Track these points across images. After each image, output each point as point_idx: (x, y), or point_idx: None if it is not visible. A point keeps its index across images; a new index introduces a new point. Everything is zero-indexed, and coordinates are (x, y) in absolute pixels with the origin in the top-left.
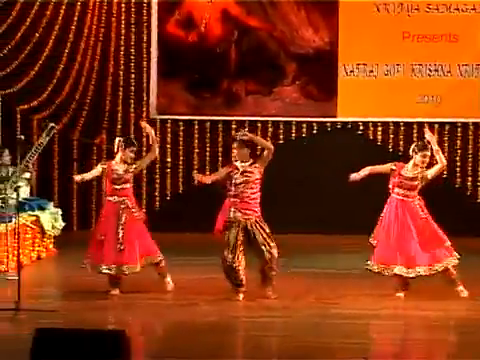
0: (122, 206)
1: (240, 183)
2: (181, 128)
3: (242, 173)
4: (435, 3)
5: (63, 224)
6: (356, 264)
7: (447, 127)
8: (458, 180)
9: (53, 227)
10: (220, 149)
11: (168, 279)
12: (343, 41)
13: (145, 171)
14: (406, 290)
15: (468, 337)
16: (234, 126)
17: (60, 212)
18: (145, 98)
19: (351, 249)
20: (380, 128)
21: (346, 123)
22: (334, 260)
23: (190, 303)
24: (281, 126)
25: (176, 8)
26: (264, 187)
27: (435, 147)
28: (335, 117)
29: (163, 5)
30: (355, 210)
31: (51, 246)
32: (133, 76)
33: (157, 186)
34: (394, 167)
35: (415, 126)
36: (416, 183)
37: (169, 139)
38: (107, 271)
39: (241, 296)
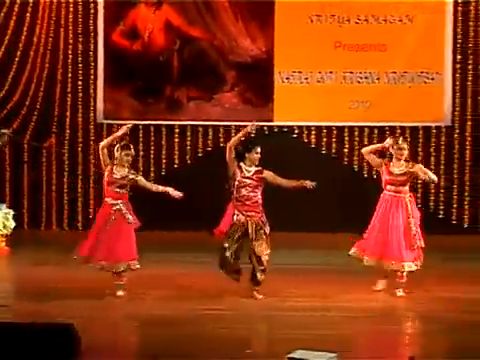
0: (115, 208)
1: (244, 186)
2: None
3: (249, 177)
4: (365, 15)
5: (14, 224)
6: (298, 260)
7: (376, 131)
8: None
9: (5, 226)
10: (164, 152)
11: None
12: (279, 50)
13: (92, 172)
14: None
15: (403, 328)
16: (177, 130)
17: (12, 213)
18: (92, 104)
19: (289, 246)
20: (314, 132)
21: (282, 127)
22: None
23: (140, 297)
24: (221, 130)
25: (121, 19)
26: (206, 189)
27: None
28: (272, 121)
29: (109, 16)
30: (291, 209)
31: (3, 244)
32: (81, 83)
33: None
34: (385, 165)
35: (346, 130)
36: (405, 178)
37: (115, 143)
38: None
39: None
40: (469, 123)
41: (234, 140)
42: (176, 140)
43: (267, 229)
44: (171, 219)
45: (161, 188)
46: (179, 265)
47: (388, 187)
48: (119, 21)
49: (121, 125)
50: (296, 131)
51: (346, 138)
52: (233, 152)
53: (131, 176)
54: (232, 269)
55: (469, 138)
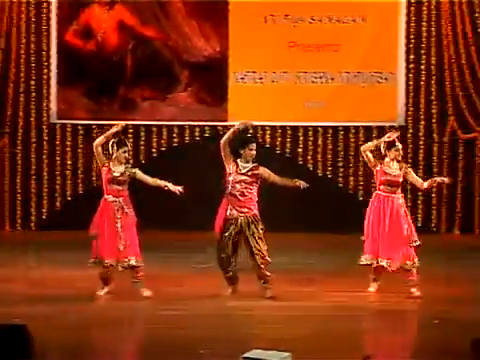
0: (117, 206)
1: (239, 182)
2: (80, 132)
3: (244, 173)
4: (318, 15)
5: None
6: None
7: (330, 131)
8: (340, 180)
9: None
10: None
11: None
12: (233, 50)
13: (46, 172)
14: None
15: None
16: (131, 130)
17: None
18: (45, 104)
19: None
20: (268, 132)
21: None
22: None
23: (95, 298)
24: (175, 130)
25: (74, 19)
26: (160, 189)
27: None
28: (226, 121)
29: (62, 16)
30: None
31: None
32: (34, 83)
33: (58, 187)
34: (379, 166)
35: (301, 130)
36: (400, 179)
37: (69, 143)
38: (112, 264)
39: (229, 291)
40: (422, 123)
41: (225, 137)
42: (130, 140)
43: (260, 225)
44: None
45: (160, 182)
46: None
47: (382, 187)
48: (72, 21)
49: (75, 125)
50: (251, 131)
51: (300, 138)
52: (227, 148)
53: (129, 171)
54: (228, 271)
55: (422, 138)
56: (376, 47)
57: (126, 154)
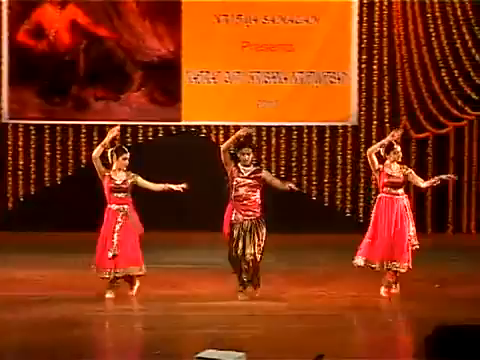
0: (121, 213)
1: (242, 185)
2: (32, 132)
3: (246, 177)
4: (271, 15)
5: None
6: (203, 259)
7: (284, 130)
8: (294, 179)
9: None
10: (70, 152)
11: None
12: (186, 50)
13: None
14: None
15: (311, 326)
16: (84, 130)
17: None
18: None
19: (198, 244)
20: (222, 131)
21: (190, 126)
22: (185, 255)
23: (45, 299)
24: (129, 130)
25: (26, 18)
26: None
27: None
28: (179, 121)
29: (13, 15)
30: (199, 208)
31: None
32: None
33: (9, 188)
34: (381, 167)
35: (254, 129)
36: (402, 180)
37: (21, 143)
38: (106, 276)
39: (241, 294)
40: (375, 122)
41: (227, 143)
42: (83, 140)
43: (264, 229)
44: (63, 219)
45: (162, 186)
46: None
47: (385, 189)
48: (24, 20)
49: (28, 125)
50: (204, 131)
51: (254, 138)
52: (227, 154)
53: (130, 179)
54: (240, 271)
55: (375, 137)
56: (329, 47)
57: (126, 161)
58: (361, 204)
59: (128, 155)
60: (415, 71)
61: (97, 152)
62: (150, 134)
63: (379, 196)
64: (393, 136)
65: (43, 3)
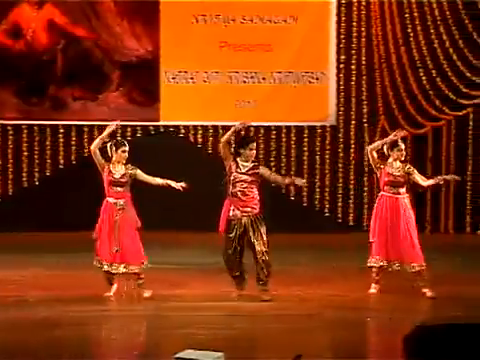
0: (118, 207)
1: (240, 181)
2: (10, 132)
3: (244, 173)
4: (250, 15)
5: None
6: (180, 259)
7: (262, 130)
8: None
9: None
10: (48, 152)
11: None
12: (164, 50)
13: None
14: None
15: (288, 327)
16: (61, 130)
17: None
18: None
19: (168, 244)
20: (200, 131)
21: (168, 127)
22: (164, 255)
23: (23, 299)
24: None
25: (3, 18)
26: (91, 190)
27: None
28: (158, 121)
29: None
30: (174, 208)
31: None
32: None
33: None
34: (382, 166)
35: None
36: (404, 179)
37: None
38: (105, 268)
39: (236, 292)
40: (353, 122)
41: (226, 136)
42: (61, 140)
43: (264, 226)
44: (41, 219)
45: (162, 181)
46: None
47: (386, 188)
48: (1, 20)
49: (5, 125)
50: (182, 131)
51: (232, 138)
52: (227, 148)
53: (130, 172)
54: (236, 270)
55: (353, 138)
56: (307, 47)
57: (125, 154)
58: (339, 204)
59: (127, 148)
60: (393, 71)
61: (95, 145)
62: (128, 134)
63: (380, 195)
64: (396, 135)
65: (20, 3)
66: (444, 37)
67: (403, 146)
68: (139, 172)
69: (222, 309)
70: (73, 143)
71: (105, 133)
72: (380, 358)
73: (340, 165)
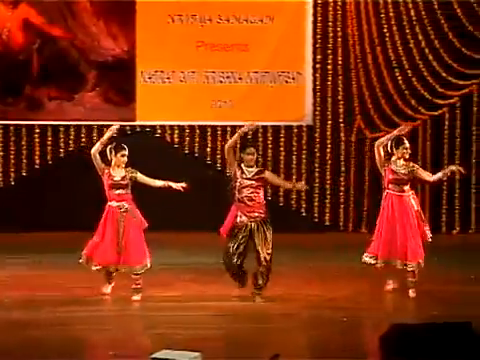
0: (121, 210)
1: (245, 186)
2: None
3: (249, 178)
4: (226, 15)
5: None
6: (165, 260)
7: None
8: None
9: None
10: (24, 152)
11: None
12: (141, 50)
13: None
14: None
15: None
16: (37, 130)
17: None
18: None
19: (156, 245)
20: (177, 131)
21: (145, 127)
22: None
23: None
24: (83, 130)
25: None
26: (67, 191)
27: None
28: (134, 121)
29: None
30: (153, 208)
31: None
32: None
33: None
34: (386, 165)
35: (209, 129)
36: (408, 177)
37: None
38: (96, 268)
39: (236, 292)
40: (329, 122)
41: (231, 141)
42: (37, 140)
43: (271, 230)
44: (17, 219)
45: (162, 183)
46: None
47: (391, 186)
48: None
49: None
50: (159, 131)
51: (209, 137)
52: (232, 153)
53: (129, 175)
54: (236, 272)
55: (330, 137)
56: (284, 47)
57: (124, 158)
58: (316, 204)
59: (126, 152)
60: (369, 71)
61: (96, 149)
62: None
63: (385, 193)
64: (401, 130)
65: None
66: (420, 37)
67: (408, 144)
68: (139, 174)
69: (202, 309)
70: (49, 143)
71: (105, 137)
72: (356, 357)
73: (316, 165)
